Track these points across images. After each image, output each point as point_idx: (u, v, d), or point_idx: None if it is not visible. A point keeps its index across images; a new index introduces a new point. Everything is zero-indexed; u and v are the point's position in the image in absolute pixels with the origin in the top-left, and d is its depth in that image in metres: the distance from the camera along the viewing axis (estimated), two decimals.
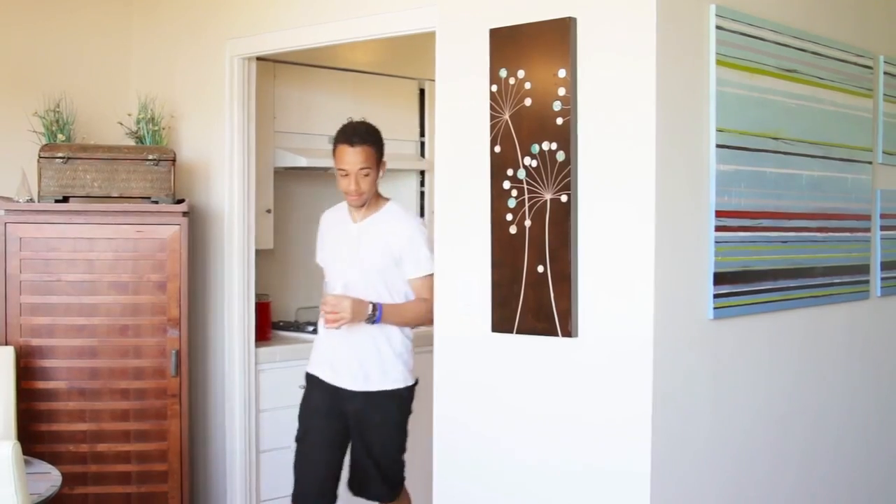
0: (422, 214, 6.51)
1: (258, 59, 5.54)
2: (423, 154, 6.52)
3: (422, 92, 6.51)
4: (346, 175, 4.76)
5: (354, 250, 4.88)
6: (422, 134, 6.53)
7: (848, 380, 5.05)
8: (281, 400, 5.62)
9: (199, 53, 5.62)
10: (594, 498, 3.94)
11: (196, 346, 5.63)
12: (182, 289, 5.29)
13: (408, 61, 6.31)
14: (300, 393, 5.66)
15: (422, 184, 6.53)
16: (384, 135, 6.43)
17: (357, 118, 6.23)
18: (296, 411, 5.60)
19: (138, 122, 5.51)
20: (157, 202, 5.32)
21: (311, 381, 5.02)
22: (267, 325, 5.84)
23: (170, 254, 5.26)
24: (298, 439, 5.03)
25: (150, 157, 5.31)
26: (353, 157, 4.77)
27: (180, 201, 5.39)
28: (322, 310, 4.76)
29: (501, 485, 4.18)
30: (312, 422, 5.00)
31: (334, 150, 4.82)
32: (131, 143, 5.52)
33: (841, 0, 4.94)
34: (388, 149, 6.37)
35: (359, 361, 4.86)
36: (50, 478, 3.99)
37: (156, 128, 5.51)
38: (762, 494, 4.45)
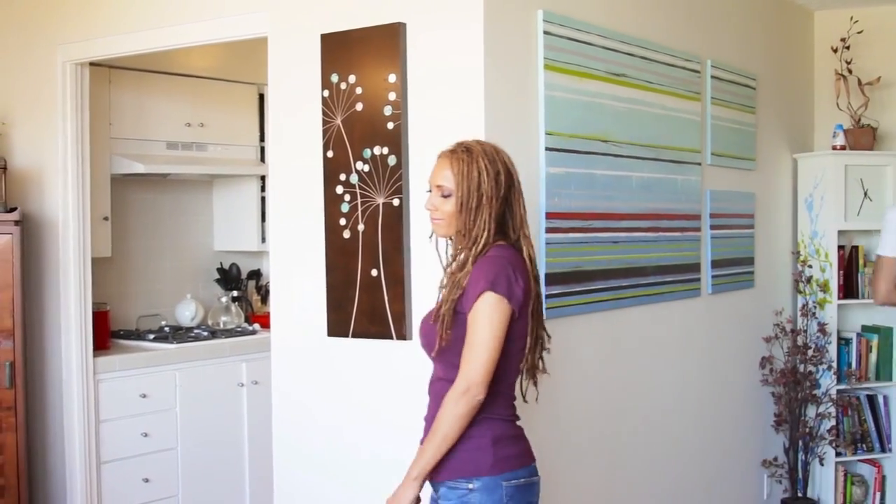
0: (263, 220, 6.49)
1: (92, 64, 5.44)
2: (263, 159, 6.49)
3: (261, 97, 6.48)
4: None
5: None
6: (262, 139, 6.49)
7: (681, 375, 5.19)
8: (121, 410, 5.53)
9: (31, 59, 5.49)
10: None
11: (32, 356, 5.51)
12: (15, 299, 5.18)
13: (246, 66, 6.27)
14: (141, 402, 5.60)
15: (262, 189, 6.49)
16: (223, 140, 6.40)
17: (196, 123, 6.20)
18: (136, 421, 5.54)
19: None
20: None
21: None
22: (105, 334, 5.73)
23: (1, 263, 5.14)
24: None
25: None
26: None
27: (12, 209, 5.27)
28: None
29: (339, 476, 4.20)
30: None
31: None
32: None
33: (669, 6, 5.07)
34: (228, 154, 6.36)
35: None
36: None
37: None
38: (599, 487, 4.55)
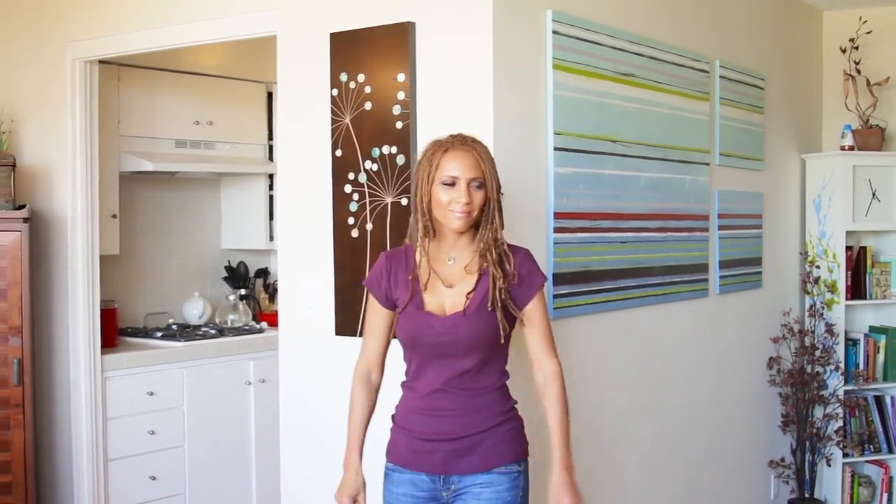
0: (271, 218, 6.50)
1: (102, 62, 5.44)
2: (271, 158, 6.50)
3: (270, 95, 6.48)
4: None
5: None
6: (270, 137, 6.50)
7: (689, 375, 5.19)
8: (128, 407, 5.53)
9: (40, 56, 5.50)
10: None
11: (40, 354, 5.52)
12: (24, 296, 5.18)
13: (255, 64, 6.27)
14: (149, 399, 5.61)
15: (271, 187, 6.49)
16: (232, 138, 6.40)
17: (204, 122, 6.20)
18: (143, 418, 5.55)
19: None
20: None
21: None
22: (113, 332, 5.74)
23: (10, 261, 5.15)
24: None
25: None
26: None
27: (21, 207, 5.28)
28: None
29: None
30: None
31: None
32: None
33: (678, 6, 5.07)
34: (236, 152, 6.36)
35: None
36: None
37: None
38: (604, 486, 4.54)
